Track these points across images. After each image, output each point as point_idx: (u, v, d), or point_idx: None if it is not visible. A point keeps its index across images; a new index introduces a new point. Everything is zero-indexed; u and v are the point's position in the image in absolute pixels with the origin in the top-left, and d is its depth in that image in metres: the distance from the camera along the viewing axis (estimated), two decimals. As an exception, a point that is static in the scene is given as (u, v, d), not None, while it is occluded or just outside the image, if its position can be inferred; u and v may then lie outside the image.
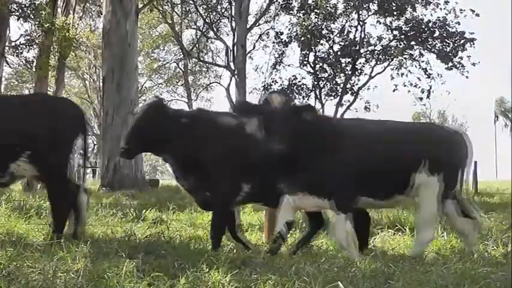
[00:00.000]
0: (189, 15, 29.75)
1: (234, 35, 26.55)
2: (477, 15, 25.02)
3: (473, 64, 25.09)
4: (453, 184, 5.46)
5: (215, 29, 28.05)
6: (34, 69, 20.16)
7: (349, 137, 5.23)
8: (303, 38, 26.25)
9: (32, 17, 17.45)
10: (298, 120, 5.02)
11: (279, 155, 4.88)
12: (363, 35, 26.49)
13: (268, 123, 4.96)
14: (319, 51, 26.85)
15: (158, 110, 5.38)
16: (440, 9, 25.28)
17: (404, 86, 26.43)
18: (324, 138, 5.12)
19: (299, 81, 27.40)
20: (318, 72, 26.90)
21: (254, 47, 29.07)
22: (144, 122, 5.35)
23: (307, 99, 27.36)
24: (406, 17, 25.46)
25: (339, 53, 26.41)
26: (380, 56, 26.38)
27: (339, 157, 5.09)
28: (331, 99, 26.99)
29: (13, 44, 19.04)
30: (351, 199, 5.12)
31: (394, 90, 26.61)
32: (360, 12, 25.97)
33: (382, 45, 26.22)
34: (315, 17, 26.41)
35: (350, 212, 5.06)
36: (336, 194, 5.03)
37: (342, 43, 26.58)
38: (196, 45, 30.68)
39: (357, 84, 26.96)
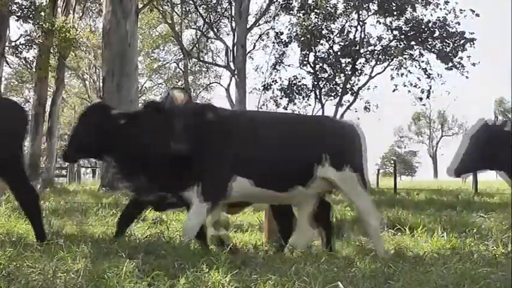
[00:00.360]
0: (189, 15, 29.75)
1: (234, 35, 26.56)
2: (477, 15, 25.06)
3: (473, 64, 25.14)
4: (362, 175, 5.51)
5: (215, 29, 28.07)
6: (34, 69, 20.15)
7: (243, 130, 5.26)
8: (303, 38, 26.26)
9: (32, 17, 17.44)
10: (198, 119, 5.06)
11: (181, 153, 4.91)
12: (362, 35, 26.52)
13: (170, 122, 4.98)
14: (319, 51, 26.87)
15: (99, 112, 5.33)
16: (440, 9, 25.34)
17: (404, 86, 26.49)
18: (217, 132, 5.14)
19: (299, 81, 27.42)
20: (318, 72, 26.90)
21: (254, 47, 29.13)
22: (85, 125, 5.30)
23: (307, 99, 27.43)
24: (406, 17, 25.48)
25: (339, 53, 26.42)
26: (380, 56, 26.39)
27: (230, 151, 5.11)
28: (331, 99, 27.03)
29: (13, 44, 19.03)
30: (219, 190, 5.09)
31: (394, 90, 26.68)
32: (360, 12, 25.99)
33: (382, 45, 26.24)
34: (315, 17, 26.42)
35: (215, 203, 5.10)
36: (204, 182, 5.01)
37: (342, 43, 26.59)
38: (196, 45, 30.69)
39: (356, 84, 26.99)
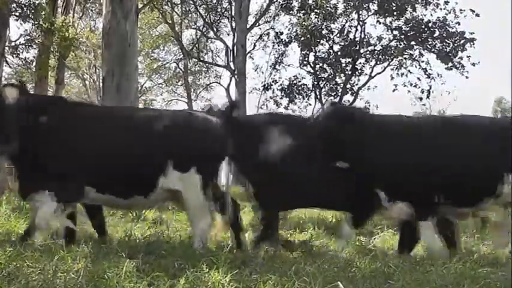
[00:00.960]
0: (189, 15, 29.74)
1: (234, 35, 26.54)
2: (477, 15, 25.00)
3: (473, 64, 25.10)
4: (211, 175, 5.36)
5: (215, 29, 28.05)
6: (34, 69, 20.13)
7: (90, 127, 5.24)
8: (303, 38, 26.24)
9: (32, 16, 17.41)
10: (37, 115, 5.10)
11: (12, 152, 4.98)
12: (362, 35, 26.48)
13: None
14: (319, 51, 26.84)
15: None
16: (440, 9, 25.30)
17: (404, 86, 26.46)
18: (56, 130, 5.16)
19: (299, 81, 27.41)
20: (318, 72, 26.89)
21: (254, 47, 29.09)
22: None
23: (308, 99, 27.42)
24: (406, 17, 25.44)
25: (339, 53, 26.40)
26: (380, 56, 26.36)
27: (69, 149, 5.12)
28: (331, 99, 26.97)
29: (13, 44, 19.01)
30: (72, 190, 5.13)
31: (394, 90, 26.62)
32: (360, 12, 25.96)
33: (382, 45, 26.20)
34: (315, 17, 26.40)
35: (74, 201, 5.18)
36: (57, 184, 5.06)
37: (342, 43, 26.56)
38: (196, 45, 30.66)
39: (356, 84, 26.97)
